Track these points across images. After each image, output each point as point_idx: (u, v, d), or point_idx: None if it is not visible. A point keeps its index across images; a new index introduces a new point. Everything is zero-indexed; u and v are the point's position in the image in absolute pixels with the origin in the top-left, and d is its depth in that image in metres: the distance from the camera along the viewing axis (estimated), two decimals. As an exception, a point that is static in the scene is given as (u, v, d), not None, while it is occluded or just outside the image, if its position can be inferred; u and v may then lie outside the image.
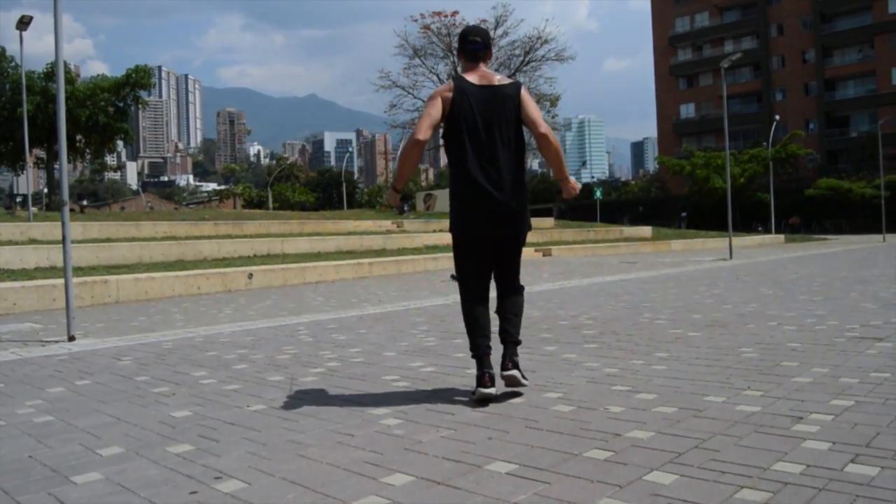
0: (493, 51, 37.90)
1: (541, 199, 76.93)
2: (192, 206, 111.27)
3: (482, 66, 3.52)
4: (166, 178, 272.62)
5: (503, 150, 3.38)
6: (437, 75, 39.12)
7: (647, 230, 31.06)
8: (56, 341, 6.35)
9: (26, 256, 12.36)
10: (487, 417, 3.04)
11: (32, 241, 13.93)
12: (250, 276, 12.36)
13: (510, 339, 3.39)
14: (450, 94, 3.39)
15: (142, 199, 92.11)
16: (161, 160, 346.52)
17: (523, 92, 3.46)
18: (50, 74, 26.19)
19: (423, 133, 3.33)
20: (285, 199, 64.74)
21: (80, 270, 11.99)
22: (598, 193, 44.85)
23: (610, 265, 16.19)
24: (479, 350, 3.42)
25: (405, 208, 3.69)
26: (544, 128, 3.36)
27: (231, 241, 16.46)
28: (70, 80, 26.40)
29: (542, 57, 39.16)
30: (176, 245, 14.91)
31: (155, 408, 3.55)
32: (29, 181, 17.87)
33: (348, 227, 22.44)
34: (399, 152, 3.57)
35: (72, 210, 26.14)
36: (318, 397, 3.61)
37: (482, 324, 3.48)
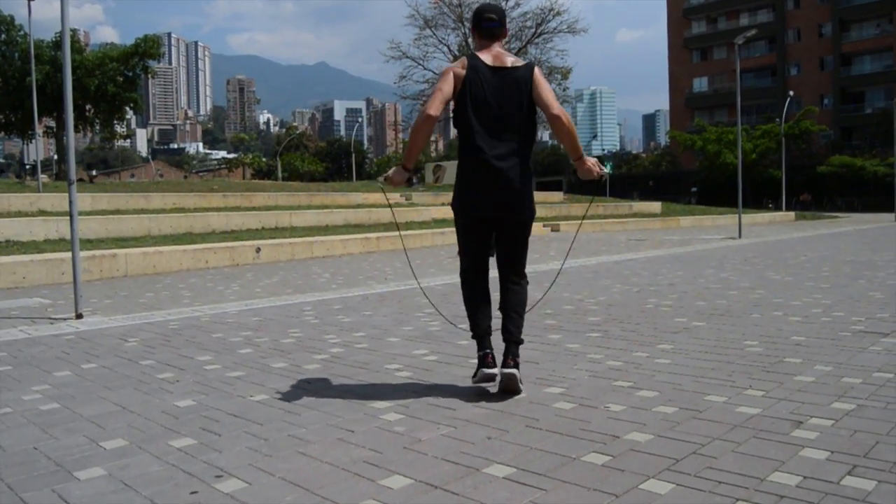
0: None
1: (550, 171, 76.61)
2: (201, 173, 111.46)
3: (497, 46, 3.47)
4: (176, 146, 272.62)
5: (512, 133, 3.35)
6: (448, 46, 38.85)
7: (656, 206, 30.93)
8: (64, 319, 6.40)
9: (35, 228, 12.43)
10: (488, 415, 3.05)
11: (42, 213, 14.00)
12: (258, 250, 12.40)
13: (512, 339, 3.35)
14: (463, 72, 3.35)
15: (151, 167, 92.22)
16: (171, 127, 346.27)
17: (536, 72, 3.39)
18: (59, 44, 26.04)
19: (435, 108, 3.29)
20: (294, 168, 64.71)
21: (88, 243, 12.05)
22: (609, 168, 44.58)
23: (618, 242, 16.16)
24: (480, 330, 3.42)
25: (414, 181, 3.67)
26: (557, 109, 3.29)
27: (239, 213, 16.50)
28: (79, 50, 26.25)
29: (554, 29, 38.78)
30: (184, 217, 14.96)
31: (159, 395, 3.58)
32: (38, 153, 17.87)
33: (357, 199, 22.43)
34: (411, 128, 3.53)
35: (81, 180, 26.21)
36: (320, 388, 3.63)
37: (482, 304, 3.48)
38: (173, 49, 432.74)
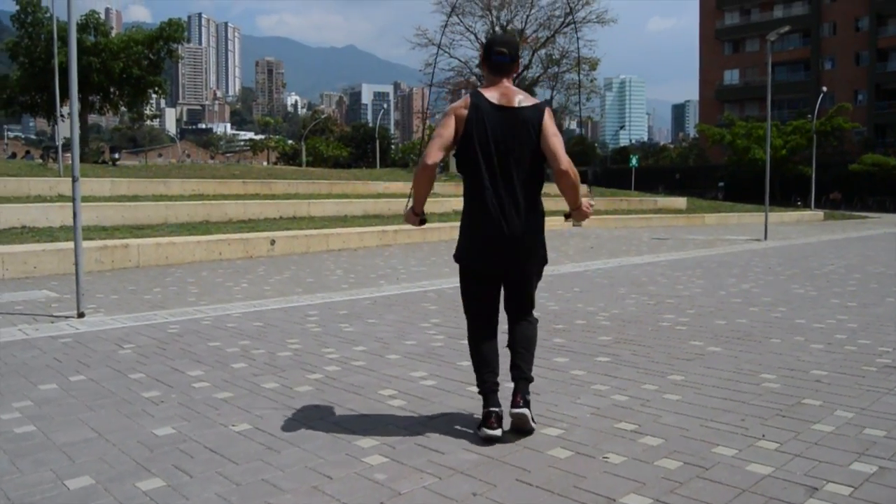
0: (533, 11, 36.42)
1: (576, 161, 75.27)
2: (228, 154, 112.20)
3: (506, 82, 3.20)
4: (204, 126, 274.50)
5: (518, 178, 3.10)
6: (475, 34, 38.45)
7: (681, 202, 30.45)
8: (66, 317, 6.30)
9: (52, 215, 12.40)
10: (477, 462, 2.85)
11: (61, 198, 13.97)
12: (272, 242, 12.27)
13: (521, 377, 3.16)
14: (465, 112, 3.10)
15: (178, 147, 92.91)
16: (199, 107, 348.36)
17: (546, 116, 3.11)
18: (84, 26, 26.09)
19: (433, 157, 3.08)
20: (319, 153, 64.58)
21: (103, 231, 12.01)
22: (634, 161, 44.03)
23: (640, 241, 15.84)
24: (486, 387, 3.21)
25: (426, 222, 3.42)
26: (565, 164, 3.03)
27: (258, 202, 16.40)
28: (104, 33, 26.33)
29: (583, 19, 38.21)
30: (202, 206, 14.87)
31: (139, 420, 3.43)
32: (59, 137, 17.94)
33: (378, 188, 22.30)
34: (413, 176, 3.21)
35: (104, 163, 26.27)
36: (307, 417, 3.45)
37: (489, 359, 3.25)
38: (203, 30, 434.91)
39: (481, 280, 3.23)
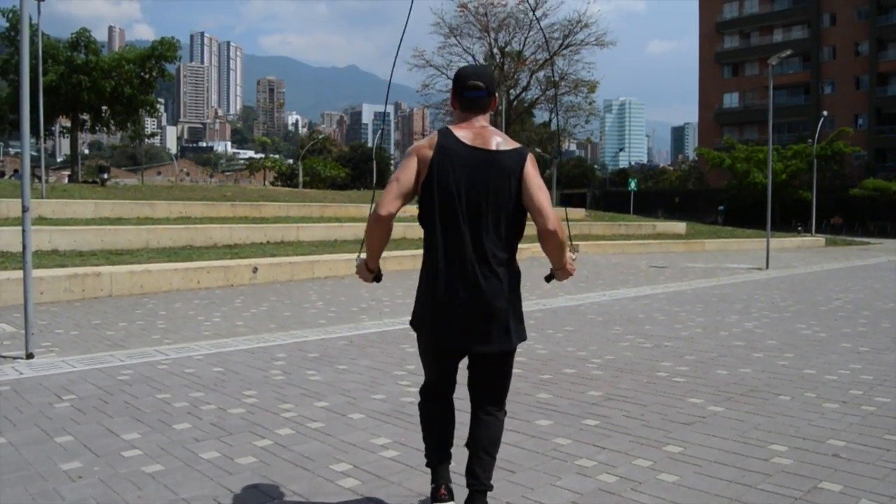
0: (531, 33, 36.19)
1: (575, 183, 75.64)
2: (227, 173, 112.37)
3: (481, 120, 2.68)
4: (205, 144, 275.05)
5: (492, 236, 2.57)
6: (473, 56, 38.24)
7: (681, 226, 29.99)
8: (14, 358, 5.82)
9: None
10: (430, 578, 2.35)
11: (41, 220, 13.49)
12: (255, 270, 11.79)
13: (478, 488, 2.61)
14: (429, 154, 2.58)
15: (175, 166, 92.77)
16: (200, 126, 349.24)
17: (528, 164, 2.59)
18: (75, 44, 25.74)
19: (387, 207, 2.54)
20: (316, 173, 64.24)
21: (80, 256, 11.56)
22: (633, 185, 43.71)
23: (638, 270, 15.36)
24: (435, 459, 2.72)
25: (381, 279, 2.82)
26: (553, 223, 2.53)
27: (245, 225, 15.94)
28: (94, 51, 25.96)
29: (582, 41, 38.03)
30: (185, 230, 14.41)
31: (46, 502, 2.93)
32: (42, 156, 17.53)
33: (371, 211, 21.82)
34: (365, 229, 2.71)
35: (93, 182, 25.82)
36: (241, 502, 2.95)
37: (442, 426, 2.77)
38: (206, 48, 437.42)
39: (441, 355, 2.71)
